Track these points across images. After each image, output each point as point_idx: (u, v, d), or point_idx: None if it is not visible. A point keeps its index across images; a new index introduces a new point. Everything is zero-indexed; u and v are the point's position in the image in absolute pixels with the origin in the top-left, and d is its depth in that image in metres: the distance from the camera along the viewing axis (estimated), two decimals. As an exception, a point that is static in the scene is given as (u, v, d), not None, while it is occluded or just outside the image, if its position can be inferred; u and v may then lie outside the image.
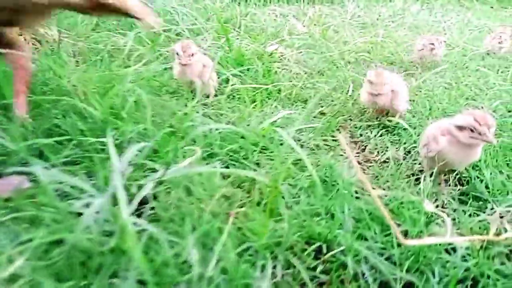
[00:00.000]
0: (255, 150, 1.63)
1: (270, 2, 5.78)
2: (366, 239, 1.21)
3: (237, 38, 3.12)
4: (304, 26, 4.56)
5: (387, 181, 1.58)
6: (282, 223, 1.18)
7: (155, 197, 1.19)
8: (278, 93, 2.35)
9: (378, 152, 1.87)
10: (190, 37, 3.16)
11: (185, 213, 1.11)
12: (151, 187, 1.14)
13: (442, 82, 2.87)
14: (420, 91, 2.66)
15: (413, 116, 2.25)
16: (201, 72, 2.16)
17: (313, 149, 1.76)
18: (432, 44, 3.25)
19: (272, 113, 2.14)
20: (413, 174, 1.69)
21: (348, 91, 2.55)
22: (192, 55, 2.11)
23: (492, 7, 7.53)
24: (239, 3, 4.63)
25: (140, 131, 1.57)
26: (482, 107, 2.35)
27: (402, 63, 3.26)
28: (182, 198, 1.16)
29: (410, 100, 2.49)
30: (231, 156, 1.59)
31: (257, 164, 1.57)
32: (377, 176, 1.63)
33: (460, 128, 1.48)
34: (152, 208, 1.17)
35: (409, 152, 1.87)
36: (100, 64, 2.55)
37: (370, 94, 2.10)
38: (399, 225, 1.24)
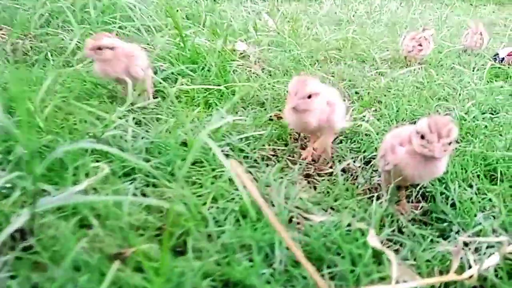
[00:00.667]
0: (187, 164, 1.37)
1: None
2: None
3: (197, 35, 2.85)
4: (276, 22, 4.31)
5: (337, 199, 1.33)
6: (195, 261, 0.93)
7: (32, 231, 0.93)
8: (233, 94, 2.09)
9: (334, 162, 1.62)
10: (148, 34, 2.88)
11: (63, 256, 0.85)
12: (24, 219, 0.88)
13: (414, 81, 2.63)
14: (389, 91, 2.42)
15: (378, 119, 2.00)
16: (126, 67, 1.84)
17: (257, 162, 1.50)
18: (420, 45, 3.03)
19: (222, 117, 1.89)
20: (370, 189, 1.44)
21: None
22: (100, 48, 1.75)
23: (471, 4, 7.33)
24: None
25: (49, 143, 1.31)
26: (454, 109, 2.12)
27: (373, 61, 3.02)
28: (67, 233, 0.90)
29: (377, 102, 2.25)
30: (157, 170, 1.33)
31: (186, 181, 1.31)
32: (328, 192, 1.39)
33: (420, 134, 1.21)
34: (26, 249, 0.91)
35: (369, 162, 1.63)
36: (40, 64, 2.27)
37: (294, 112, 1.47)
38: (335, 265, 0.99)
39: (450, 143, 1.15)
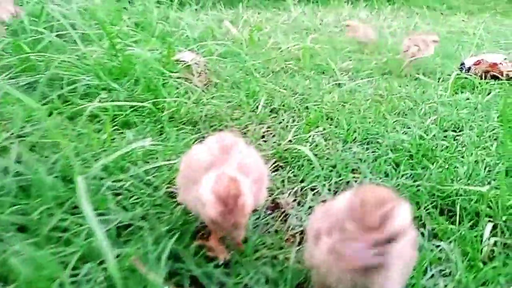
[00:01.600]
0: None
1: (216, 6, 5.23)
2: None
3: (140, 45, 2.52)
4: (238, 30, 4.02)
5: (257, 250, 1.02)
6: None
7: None
8: (162, 112, 1.77)
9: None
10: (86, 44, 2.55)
11: None
12: None
13: (374, 94, 2.35)
14: (344, 105, 2.13)
15: (326, 140, 1.70)
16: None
17: (157, 204, 1.18)
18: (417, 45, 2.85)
19: (145, 136, 1.57)
20: (302, 232, 1.14)
21: (256, 107, 2.00)
22: None
23: (442, 13, 7.16)
24: (170, 6, 4.03)
25: None
26: (413, 126, 1.83)
27: (333, 72, 2.73)
28: None
29: (328, 118, 1.96)
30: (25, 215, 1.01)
31: (49, 238, 0.99)
32: (246, 241, 1.07)
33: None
34: None
35: (305, 195, 1.32)
36: None
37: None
38: None
39: (389, 241, 0.68)
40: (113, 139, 1.51)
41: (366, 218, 0.66)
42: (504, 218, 1.18)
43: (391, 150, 1.60)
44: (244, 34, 3.67)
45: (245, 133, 1.70)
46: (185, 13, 4.19)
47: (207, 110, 1.85)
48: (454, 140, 1.74)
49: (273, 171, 1.44)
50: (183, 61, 2.46)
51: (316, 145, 1.64)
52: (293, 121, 1.91)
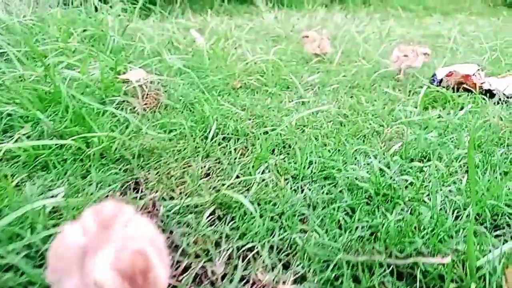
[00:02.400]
0: None
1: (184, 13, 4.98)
2: None
3: (85, 64, 2.27)
4: (205, 40, 3.79)
5: None
6: None
7: None
8: (91, 147, 1.53)
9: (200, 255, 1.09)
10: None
11: None
12: None
13: (337, 114, 2.14)
14: (304, 129, 1.91)
15: (277, 176, 1.48)
16: None
17: None
18: (406, 56, 2.74)
19: (64, 182, 1.33)
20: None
21: (205, 137, 1.78)
22: None
23: (417, 15, 7.00)
24: (131, 15, 3.77)
25: None
26: (374, 157, 1.62)
27: (297, 88, 2.52)
28: None
29: (284, 146, 1.74)
30: None
31: None
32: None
33: None
34: None
35: (245, 256, 1.10)
36: None
37: None
38: None
39: None
40: (20, 189, 1.27)
41: None
42: (473, 285, 0.97)
43: (348, 190, 1.39)
44: (209, 44, 3.44)
45: (184, 172, 1.47)
46: (148, 22, 3.94)
47: (146, 143, 1.61)
48: (421, 172, 1.54)
49: (209, 226, 1.21)
50: (132, 80, 2.23)
51: (266, 185, 1.42)
52: (245, 152, 1.69)
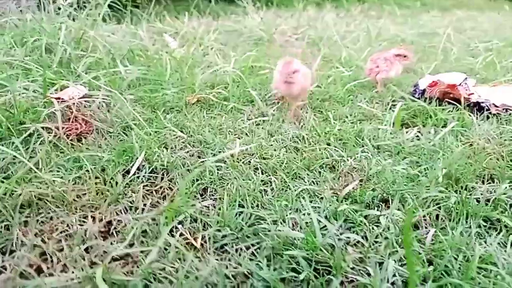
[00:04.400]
0: None
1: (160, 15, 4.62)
2: None
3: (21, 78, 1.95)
4: (180, 45, 3.46)
5: None
6: None
7: None
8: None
9: None
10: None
11: None
12: None
13: (296, 138, 1.79)
14: (250, 159, 1.57)
15: (192, 234, 1.14)
16: None
17: None
18: (378, 66, 2.36)
19: None
20: None
21: (129, 171, 1.45)
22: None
23: (414, 12, 6.57)
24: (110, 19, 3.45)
25: None
26: (318, 212, 1.27)
27: (258, 106, 2.16)
28: None
29: (216, 185, 1.40)
30: None
31: None
32: None
33: None
34: None
35: None
36: None
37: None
38: None
39: None
40: None
41: None
42: None
43: (274, 256, 1.05)
44: (175, 51, 3.11)
45: (65, 233, 1.13)
46: (117, 28, 3.61)
47: (37, 190, 1.28)
48: (375, 225, 1.18)
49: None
50: (60, 100, 1.90)
51: (169, 252, 1.08)
52: (166, 195, 1.36)
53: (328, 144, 1.71)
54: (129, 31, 3.57)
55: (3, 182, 1.23)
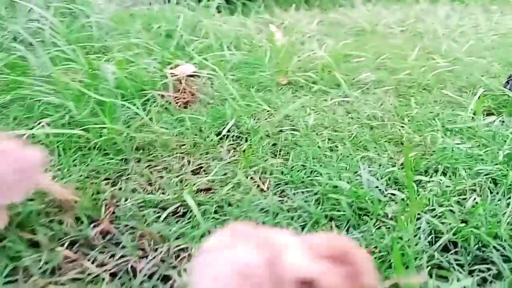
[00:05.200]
0: None
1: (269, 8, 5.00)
2: None
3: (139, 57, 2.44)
4: (284, 35, 3.78)
5: None
6: None
7: None
8: (100, 137, 1.64)
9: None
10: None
11: None
12: None
13: (373, 116, 1.97)
14: (322, 131, 1.80)
15: (261, 178, 1.43)
16: None
17: None
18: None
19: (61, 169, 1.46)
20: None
21: (220, 132, 1.79)
22: None
23: None
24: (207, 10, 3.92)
25: None
26: (380, 166, 1.46)
27: (343, 89, 2.36)
28: None
29: (291, 148, 1.67)
30: None
31: None
32: None
33: None
34: None
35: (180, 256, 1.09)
36: None
37: None
38: None
39: None
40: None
41: None
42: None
43: (323, 200, 1.29)
44: (282, 39, 3.42)
45: (160, 172, 1.50)
46: (229, 19, 4.04)
47: (149, 138, 1.68)
48: (422, 188, 1.35)
49: (164, 221, 1.23)
50: (176, 75, 2.33)
51: (239, 186, 1.38)
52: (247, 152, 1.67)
53: (401, 124, 1.86)
54: (238, 22, 3.98)
55: (125, 129, 1.64)
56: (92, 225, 1.18)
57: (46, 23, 2.68)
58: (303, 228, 1.17)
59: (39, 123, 1.73)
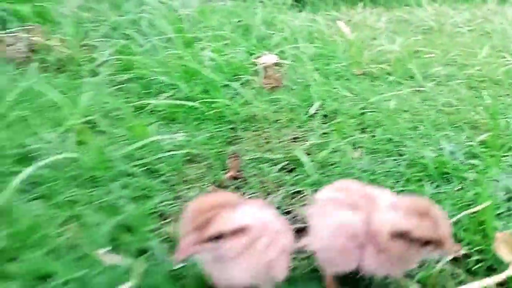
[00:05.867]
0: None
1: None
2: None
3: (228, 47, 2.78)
4: (351, 31, 4.02)
5: None
6: None
7: None
8: (209, 110, 1.98)
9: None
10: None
11: None
12: None
13: (448, 104, 2.19)
14: (402, 114, 2.06)
15: (354, 148, 1.71)
16: None
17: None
18: None
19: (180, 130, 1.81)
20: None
21: (307, 112, 2.08)
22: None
23: None
24: (280, 8, 4.24)
25: None
26: (458, 143, 1.70)
27: (417, 80, 2.59)
28: None
29: (375, 126, 1.94)
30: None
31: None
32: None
33: None
34: None
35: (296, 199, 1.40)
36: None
37: None
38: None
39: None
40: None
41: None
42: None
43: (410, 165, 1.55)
44: (351, 35, 3.68)
45: (265, 139, 1.81)
46: (299, 15, 4.34)
47: (252, 112, 2.00)
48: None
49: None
50: (261, 63, 2.65)
51: (335, 151, 1.67)
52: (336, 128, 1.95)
53: (475, 111, 2.08)
54: (308, 18, 4.27)
55: (232, 104, 1.98)
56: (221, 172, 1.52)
57: (146, 15, 3.10)
58: (394, 187, 1.43)
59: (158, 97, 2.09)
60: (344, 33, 3.88)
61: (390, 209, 0.91)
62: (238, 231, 0.84)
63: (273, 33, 3.38)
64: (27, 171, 1.25)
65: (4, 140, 1.54)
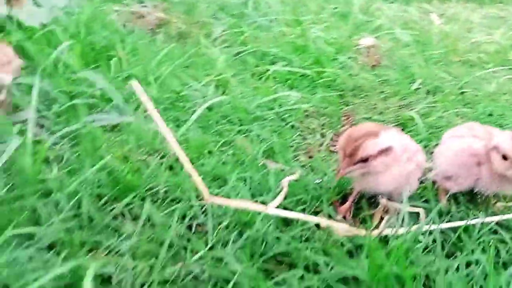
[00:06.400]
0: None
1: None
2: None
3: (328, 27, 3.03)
4: (442, 23, 4.13)
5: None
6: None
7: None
8: (320, 79, 2.25)
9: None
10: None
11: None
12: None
13: None
14: (501, 96, 2.21)
15: (458, 116, 1.91)
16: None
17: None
18: None
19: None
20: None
21: (409, 88, 2.29)
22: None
23: None
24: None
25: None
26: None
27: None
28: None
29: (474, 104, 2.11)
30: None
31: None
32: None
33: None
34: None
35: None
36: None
37: None
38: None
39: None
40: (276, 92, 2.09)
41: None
42: None
43: None
44: (443, 26, 3.79)
45: (374, 105, 2.05)
46: (391, 5, 4.50)
47: (359, 83, 2.25)
48: None
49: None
50: (361, 44, 2.89)
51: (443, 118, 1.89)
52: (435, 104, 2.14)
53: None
54: (401, 8, 4.42)
55: (341, 74, 2.24)
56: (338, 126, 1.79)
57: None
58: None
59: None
60: (438, 24, 4.01)
61: (506, 137, 1.14)
62: (383, 151, 1.11)
63: (370, 20, 3.59)
64: (198, 111, 1.63)
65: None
